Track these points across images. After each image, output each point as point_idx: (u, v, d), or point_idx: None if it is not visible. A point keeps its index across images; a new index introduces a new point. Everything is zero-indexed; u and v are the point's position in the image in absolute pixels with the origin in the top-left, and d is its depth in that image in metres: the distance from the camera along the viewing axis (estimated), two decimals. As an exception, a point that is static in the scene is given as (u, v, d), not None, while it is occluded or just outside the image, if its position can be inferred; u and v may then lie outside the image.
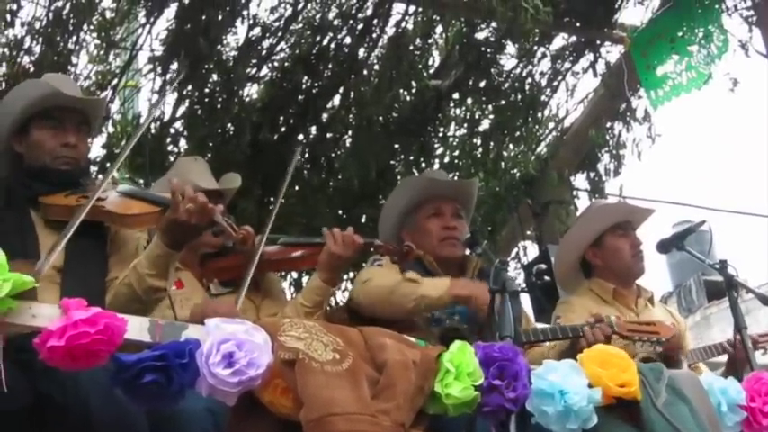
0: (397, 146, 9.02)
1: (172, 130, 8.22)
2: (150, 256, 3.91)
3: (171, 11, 7.72)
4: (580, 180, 9.44)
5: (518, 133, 9.15)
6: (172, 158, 7.89)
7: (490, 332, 3.62)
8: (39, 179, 4.09)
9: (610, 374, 3.50)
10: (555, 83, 9.26)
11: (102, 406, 3.20)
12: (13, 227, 3.89)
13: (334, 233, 4.58)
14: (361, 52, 8.50)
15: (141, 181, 7.61)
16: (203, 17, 7.50)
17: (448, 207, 5.11)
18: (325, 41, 8.36)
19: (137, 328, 3.02)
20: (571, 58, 9.10)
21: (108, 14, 8.14)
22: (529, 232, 9.67)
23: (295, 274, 8.35)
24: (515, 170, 9.19)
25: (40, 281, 3.18)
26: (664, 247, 5.18)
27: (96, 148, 8.22)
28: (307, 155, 8.73)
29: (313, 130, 8.85)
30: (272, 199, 8.47)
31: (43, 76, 4.61)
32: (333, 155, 8.90)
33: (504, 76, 9.02)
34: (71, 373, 3.05)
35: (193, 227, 3.85)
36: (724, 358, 5.32)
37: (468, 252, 4.95)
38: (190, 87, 8.02)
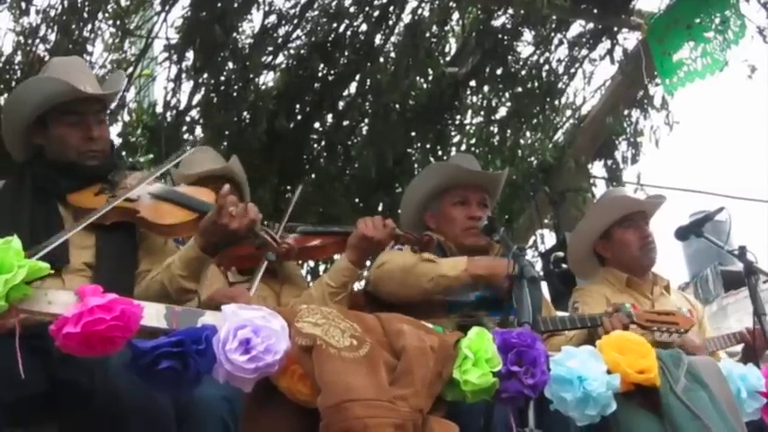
0: (413, 134, 9.02)
1: (188, 119, 8.23)
2: (184, 258, 3.89)
3: (186, -2, 7.74)
4: (597, 168, 9.43)
5: (535, 121, 9.13)
6: (188, 148, 7.89)
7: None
8: (66, 175, 4.05)
9: (629, 361, 3.48)
10: (572, 70, 9.26)
11: (131, 391, 3.18)
12: (42, 223, 3.85)
13: (367, 219, 4.60)
14: (378, 39, 8.49)
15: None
16: (219, 5, 7.52)
17: (475, 196, 5.07)
18: (342, 29, 8.36)
19: (153, 314, 3.01)
20: (588, 45, 9.09)
21: (123, 2, 8.17)
22: (546, 220, 9.65)
23: (311, 263, 8.35)
24: (532, 158, 9.16)
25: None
26: (682, 234, 5.14)
27: (112, 136, 8.23)
28: (323, 143, 8.74)
29: (329, 117, 8.86)
30: (289, 187, 8.49)
31: (51, 61, 4.49)
32: (349, 143, 8.89)
33: (521, 63, 9.02)
34: (99, 359, 3.04)
35: (233, 232, 3.81)
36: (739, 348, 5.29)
37: (490, 240, 4.92)
38: (206, 75, 8.01)
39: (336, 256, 4.98)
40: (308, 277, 8.07)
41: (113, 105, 8.02)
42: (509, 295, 3.66)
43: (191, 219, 3.98)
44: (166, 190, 4.17)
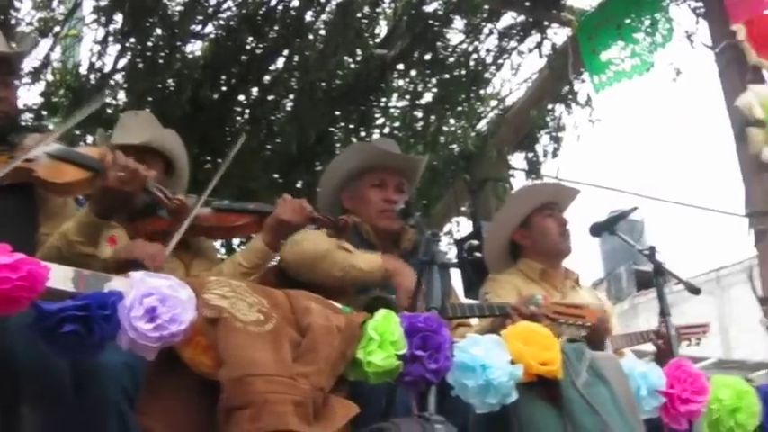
0: (337, 113, 9.02)
1: (111, 82, 8.14)
2: (79, 224, 3.87)
3: (118, -39, 7.65)
4: (518, 159, 9.52)
5: (460, 108, 9.18)
6: (110, 111, 7.82)
7: (417, 302, 3.63)
8: None
9: (532, 352, 3.51)
10: (500, 60, 9.32)
11: (27, 352, 3.15)
12: None
13: (286, 199, 4.57)
14: (309, 16, 8.47)
15: (78, 132, 7.52)
16: (150, -31, 7.44)
17: (392, 180, 5.08)
18: (273, 2, 8.32)
19: (60, 276, 2.98)
20: (518, 38, 9.16)
21: (54, -41, 8.05)
22: (463, 208, 9.71)
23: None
24: (454, 145, 9.22)
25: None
26: (596, 230, 5.20)
27: (34, 96, 8.14)
28: (246, 116, 8.70)
29: (254, 91, 8.81)
30: (208, 158, 8.44)
31: None
32: (272, 118, 8.86)
33: (450, 50, 9.05)
34: (-2, 320, 3.01)
35: (125, 195, 3.81)
36: (650, 347, 5.36)
37: (404, 224, 4.92)
38: (133, 40, 7.94)
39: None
40: (223, 250, 8.05)
41: (37, 64, 7.95)
42: (415, 293, 3.69)
43: (85, 177, 3.95)
44: (62, 150, 4.10)
